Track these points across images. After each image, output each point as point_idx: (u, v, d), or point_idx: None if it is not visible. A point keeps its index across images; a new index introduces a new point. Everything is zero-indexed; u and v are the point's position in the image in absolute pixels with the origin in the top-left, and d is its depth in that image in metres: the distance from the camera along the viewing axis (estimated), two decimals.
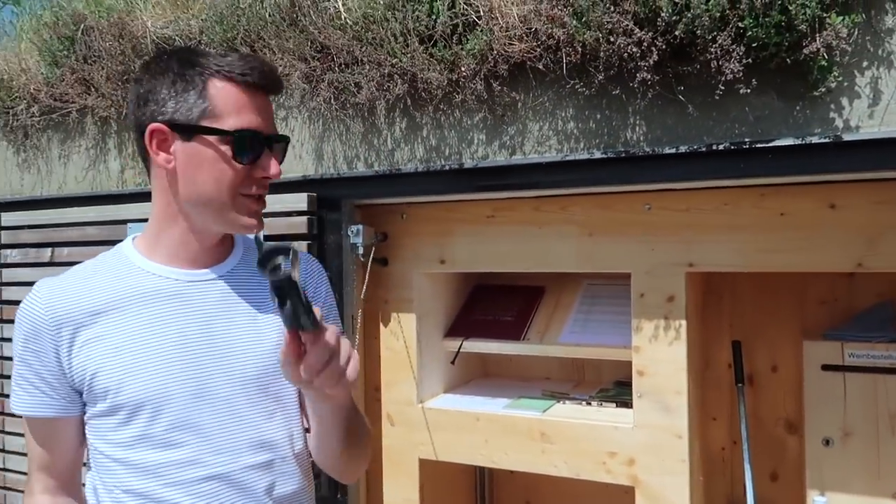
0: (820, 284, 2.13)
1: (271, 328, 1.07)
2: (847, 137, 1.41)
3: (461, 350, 2.22)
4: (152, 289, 1.03)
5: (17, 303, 2.73)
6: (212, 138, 0.99)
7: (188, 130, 0.99)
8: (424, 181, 1.86)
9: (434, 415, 2.09)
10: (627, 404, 2.02)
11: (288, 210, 1.99)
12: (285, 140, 1.08)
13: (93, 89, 2.32)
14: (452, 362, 2.30)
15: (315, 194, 1.99)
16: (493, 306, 2.29)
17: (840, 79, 1.43)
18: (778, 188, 1.69)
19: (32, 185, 2.63)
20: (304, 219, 1.97)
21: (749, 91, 1.44)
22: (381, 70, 1.80)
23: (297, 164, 2.08)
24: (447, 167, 1.82)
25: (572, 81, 1.61)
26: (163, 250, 1.06)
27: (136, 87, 1.03)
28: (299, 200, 1.98)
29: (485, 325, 2.22)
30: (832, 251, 1.65)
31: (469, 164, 1.79)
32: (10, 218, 2.58)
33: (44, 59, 2.45)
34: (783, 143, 1.45)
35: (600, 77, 1.56)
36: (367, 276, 2.08)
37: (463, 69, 1.67)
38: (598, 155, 1.64)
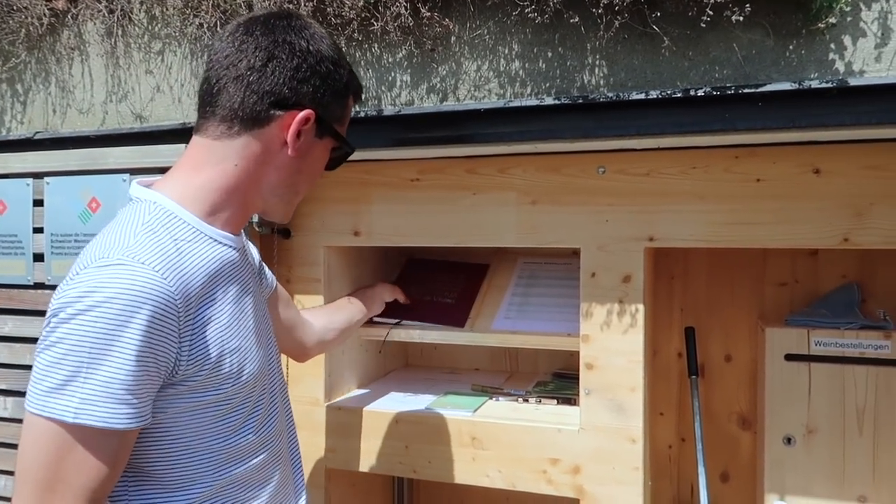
0: (780, 264, 1.92)
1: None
2: (854, 82, 1.16)
3: (378, 338, 1.88)
4: (227, 259, 0.99)
5: None
6: (331, 143, 1.05)
7: (328, 130, 1.02)
8: None
9: (345, 416, 1.75)
10: (571, 401, 1.75)
11: (162, 165, 1.58)
12: None
13: None
14: (380, 351, 1.96)
15: None
16: (429, 285, 1.96)
17: (848, 10, 1.17)
18: (753, 149, 1.44)
19: None
20: None
21: (741, 19, 1.16)
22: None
23: (175, 108, 1.67)
24: (362, 115, 1.46)
25: (521, 5, 1.29)
26: (223, 216, 0.99)
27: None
28: (177, 153, 1.57)
29: (421, 308, 1.88)
30: (815, 223, 1.41)
31: (390, 111, 1.44)
32: None
33: None
34: (778, 88, 1.18)
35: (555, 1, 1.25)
36: (271, 251, 1.71)
37: None
38: (549, 101, 1.33)
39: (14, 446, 1.83)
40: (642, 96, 1.26)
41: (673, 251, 1.98)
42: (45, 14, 1.74)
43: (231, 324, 0.96)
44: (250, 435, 1.00)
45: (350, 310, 1.63)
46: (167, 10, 1.62)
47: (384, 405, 1.77)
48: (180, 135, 1.60)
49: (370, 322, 1.78)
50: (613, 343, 1.53)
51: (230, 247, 1.00)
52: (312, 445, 1.76)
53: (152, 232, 0.90)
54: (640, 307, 1.51)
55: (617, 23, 1.25)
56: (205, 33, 1.57)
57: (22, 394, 1.81)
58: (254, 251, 1.23)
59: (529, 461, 1.60)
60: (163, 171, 1.61)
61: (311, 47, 0.97)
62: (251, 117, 0.95)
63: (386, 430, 1.71)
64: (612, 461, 1.54)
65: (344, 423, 1.74)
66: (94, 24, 1.75)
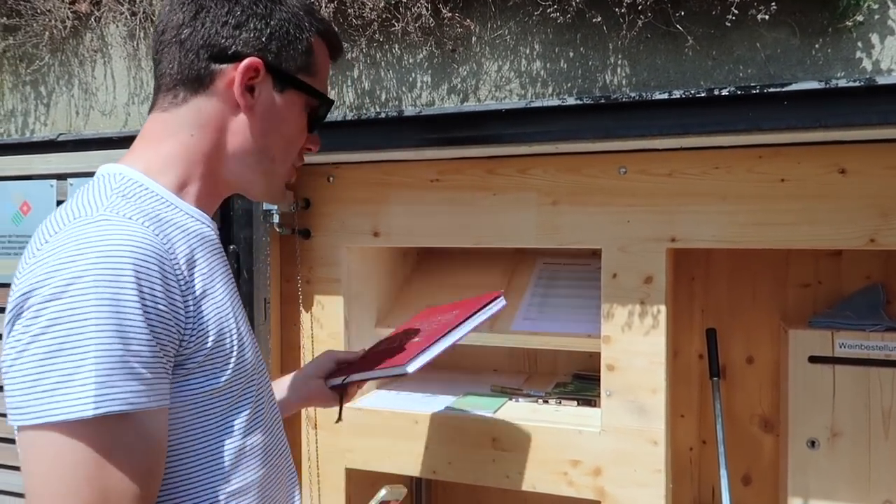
0: (803, 265, 1.90)
1: None
2: (882, 81, 1.14)
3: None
4: (206, 235, 0.87)
5: None
6: (302, 97, 0.92)
7: (287, 80, 0.89)
8: (354, 133, 1.50)
9: (364, 416, 1.75)
10: (591, 403, 1.74)
11: None
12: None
13: None
14: (336, 422, 1.94)
15: None
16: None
17: (876, 7, 1.15)
18: (777, 149, 1.42)
19: None
20: None
21: (766, 18, 1.15)
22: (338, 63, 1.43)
23: None
24: (383, 115, 1.46)
25: (543, 5, 1.28)
26: (192, 191, 0.88)
27: None
28: None
29: (368, 359, 1.69)
30: (841, 224, 1.39)
31: (410, 112, 1.45)
32: None
33: None
34: (804, 88, 1.17)
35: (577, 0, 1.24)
36: (292, 252, 1.72)
37: None
38: (571, 101, 1.32)
39: None
40: (665, 96, 1.25)
41: (694, 252, 1.96)
42: (68, 17, 1.76)
43: (226, 301, 0.84)
44: (258, 434, 0.87)
45: (292, 392, 1.26)
46: None
47: (403, 405, 1.77)
48: None
49: (389, 324, 1.78)
50: (635, 344, 1.52)
51: (207, 225, 0.88)
52: (332, 446, 1.76)
53: (125, 198, 0.79)
54: (662, 308, 1.50)
55: (640, 22, 1.24)
56: None
57: None
58: None
59: (550, 462, 1.59)
60: None
61: None
62: (192, 78, 0.85)
63: (405, 431, 1.71)
64: (633, 463, 1.53)
65: (363, 423, 1.74)
66: (117, 26, 1.76)
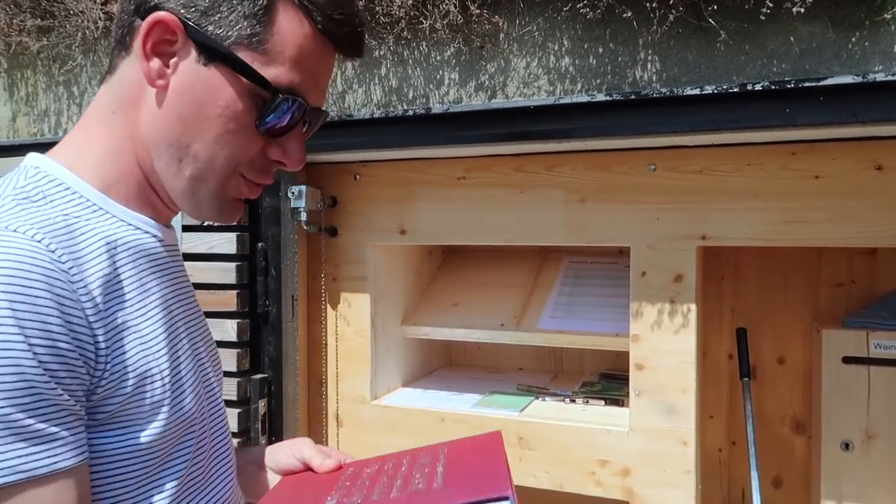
0: (835, 264, 1.86)
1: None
2: None
3: (424, 337, 1.89)
4: (141, 246, 0.70)
5: None
6: (241, 80, 0.66)
7: (215, 53, 0.66)
8: (382, 130, 1.51)
9: (391, 414, 1.75)
10: (619, 402, 1.72)
11: None
12: (325, 118, 0.76)
13: None
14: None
15: None
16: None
17: None
18: (812, 145, 1.39)
19: None
20: None
21: (801, 11, 1.13)
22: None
23: None
24: (410, 113, 1.47)
25: (573, 1, 1.27)
26: (121, 189, 0.70)
27: None
28: None
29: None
30: (877, 221, 1.36)
31: (438, 109, 1.44)
32: None
33: None
34: (840, 82, 1.15)
35: None
36: (318, 250, 1.72)
37: None
38: (600, 97, 1.31)
39: None
40: (697, 91, 1.24)
41: (724, 251, 1.94)
42: (100, 17, 1.79)
43: (156, 335, 0.67)
44: (197, 493, 0.70)
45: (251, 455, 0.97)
46: None
47: (430, 403, 1.77)
48: None
49: (414, 322, 1.78)
50: (664, 343, 1.51)
51: (143, 231, 0.70)
52: (358, 443, 1.77)
53: (26, 199, 0.63)
54: (693, 307, 1.48)
55: (671, 17, 1.23)
56: None
57: None
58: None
59: (577, 462, 1.58)
60: None
61: None
62: (120, 37, 0.69)
63: (431, 429, 1.70)
64: (662, 463, 1.51)
65: (390, 421, 1.75)
66: None
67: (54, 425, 0.56)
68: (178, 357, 0.70)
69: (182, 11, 0.65)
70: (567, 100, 1.34)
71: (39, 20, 1.82)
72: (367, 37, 1.50)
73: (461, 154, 1.63)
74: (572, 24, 1.34)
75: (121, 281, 0.65)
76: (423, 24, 1.41)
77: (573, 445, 1.58)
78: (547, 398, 1.81)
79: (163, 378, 0.66)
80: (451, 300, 1.98)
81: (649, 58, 1.30)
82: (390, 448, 1.72)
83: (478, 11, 1.36)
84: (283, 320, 1.66)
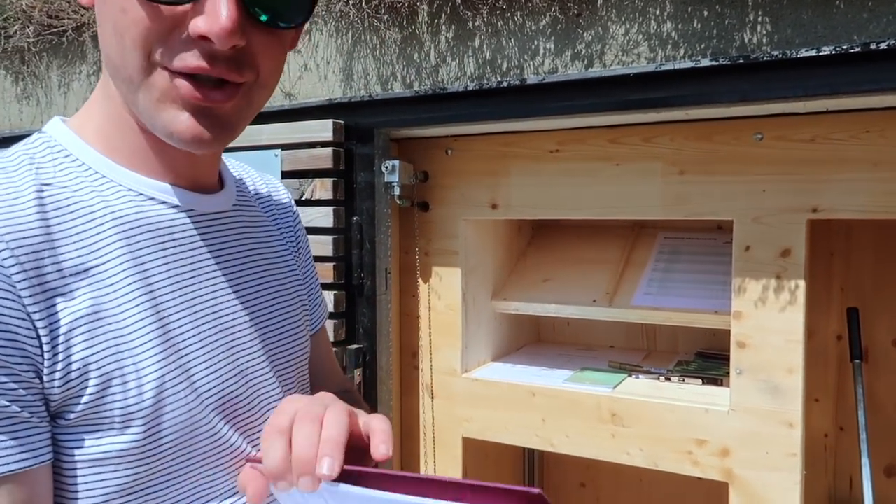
0: None
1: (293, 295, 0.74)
2: None
3: (514, 312, 1.89)
4: (149, 219, 0.60)
5: None
6: None
7: None
8: (475, 103, 1.50)
9: (482, 387, 1.76)
10: (717, 382, 1.67)
11: (310, 140, 1.65)
12: None
13: None
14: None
15: (343, 122, 1.65)
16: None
17: None
18: None
19: (32, 118, 2.35)
20: (328, 151, 1.63)
21: None
22: None
23: (321, 86, 1.74)
24: (504, 84, 1.45)
25: None
26: (125, 149, 0.61)
27: None
28: (324, 129, 1.64)
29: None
30: None
31: (533, 80, 1.42)
32: None
33: None
34: None
35: None
36: (411, 224, 1.75)
37: None
38: (705, 63, 1.25)
39: None
40: (813, 53, 1.16)
41: (833, 225, 1.83)
42: None
43: (140, 325, 0.57)
44: None
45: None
46: None
47: (520, 378, 1.77)
48: (327, 110, 1.66)
49: (504, 298, 1.78)
50: (769, 321, 1.44)
51: (149, 198, 0.61)
52: (449, 415, 1.79)
53: (3, 169, 0.57)
54: (801, 283, 1.41)
55: None
56: (351, 10, 1.62)
57: None
58: (298, 230, 0.85)
59: (673, 441, 1.54)
60: (311, 146, 1.69)
61: None
62: None
63: (522, 403, 1.71)
64: (765, 445, 1.45)
65: (481, 394, 1.76)
66: None
67: (14, 422, 0.50)
68: (182, 351, 0.59)
69: None
70: (669, 66, 1.29)
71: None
72: (459, 7, 1.49)
73: (554, 126, 1.60)
74: None
75: (98, 260, 0.56)
76: None
77: (669, 424, 1.55)
78: (640, 376, 1.77)
79: (140, 378, 0.56)
80: (541, 276, 1.96)
81: (759, 19, 1.23)
82: (483, 420, 1.73)
83: None
84: (377, 293, 1.70)
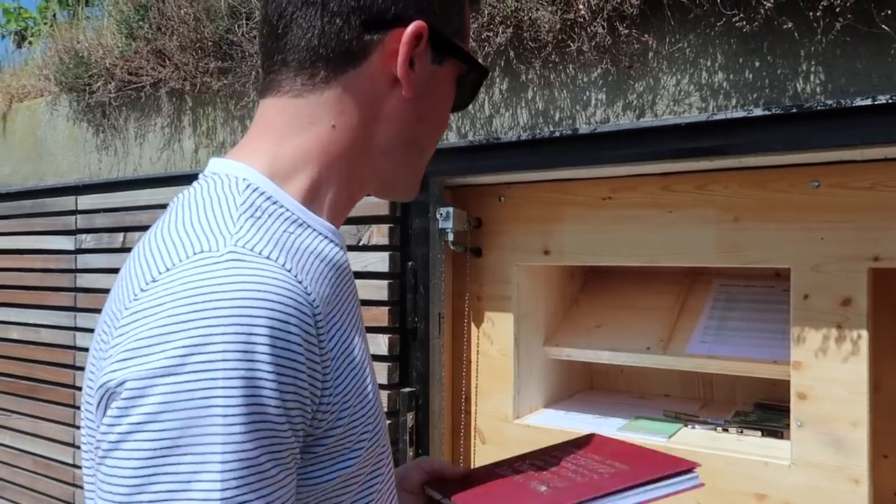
0: None
1: None
2: None
3: (566, 358, 1.88)
4: (340, 263, 0.68)
5: (93, 291, 2.69)
6: (457, 68, 0.72)
7: (450, 49, 0.70)
8: (528, 152, 1.54)
9: (534, 433, 1.76)
10: (777, 434, 1.62)
11: None
12: None
13: (166, 60, 2.15)
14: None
15: None
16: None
17: None
18: None
19: (110, 167, 2.51)
20: (385, 200, 1.69)
21: None
22: (479, 15, 1.50)
23: None
24: (557, 134, 1.49)
25: (727, 15, 1.25)
26: (325, 202, 0.69)
27: None
28: None
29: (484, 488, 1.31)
30: None
31: (584, 130, 1.46)
32: (86, 201, 2.46)
33: (120, 32, 2.31)
34: None
35: (767, 5, 1.19)
36: (464, 270, 1.78)
37: (580, 6, 1.34)
38: (758, 112, 1.26)
39: None
40: (868, 102, 1.16)
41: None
42: None
43: (361, 356, 0.65)
44: None
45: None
46: None
47: (572, 425, 1.76)
48: None
49: (556, 343, 1.78)
50: (831, 372, 1.40)
51: (338, 245, 0.68)
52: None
53: (254, 219, 0.60)
54: (864, 333, 1.38)
55: (838, 25, 1.17)
56: None
57: None
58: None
59: (731, 494, 1.50)
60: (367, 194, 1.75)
61: None
62: (339, 52, 0.66)
63: None
64: (829, 502, 1.40)
65: (533, 440, 1.75)
66: None
67: (282, 471, 0.53)
68: (372, 377, 0.68)
69: (426, 18, 0.66)
70: (721, 116, 1.31)
71: (220, 62, 2.04)
72: (513, 60, 1.54)
73: (606, 174, 1.62)
74: (726, 39, 1.31)
75: (334, 302, 0.62)
76: (570, 46, 1.43)
77: (727, 476, 1.51)
78: (697, 426, 1.73)
79: (372, 396, 0.65)
80: (594, 322, 1.96)
81: (812, 69, 1.24)
82: None
83: (626, 31, 1.36)
84: (431, 337, 1.72)
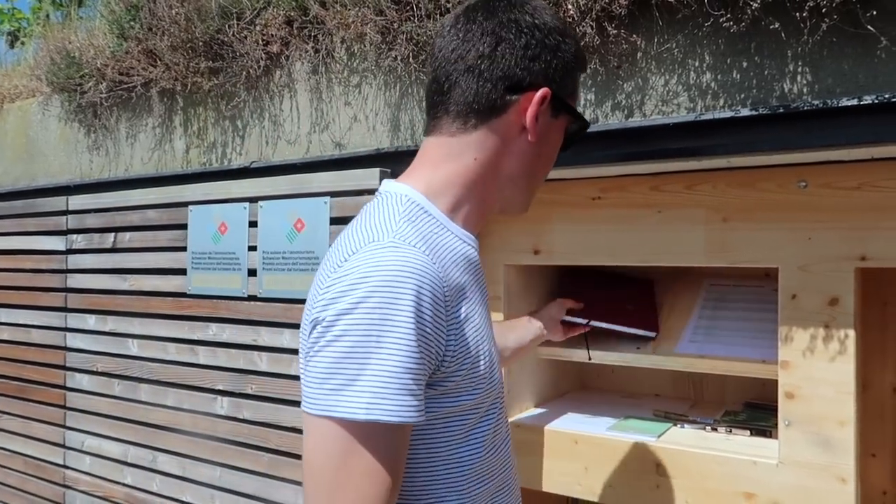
0: None
1: None
2: None
3: (557, 357, 1.88)
4: (472, 258, 0.95)
5: (83, 291, 2.69)
6: (566, 121, 0.99)
7: (563, 107, 0.97)
8: None
9: (523, 434, 1.76)
10: (766, 433, 1.63)
11: (358, 188, 1.72)
12: None
13: (157, 60, 2.14)
14: (589, 358, 1.86)
15: (389, 170, 1.71)
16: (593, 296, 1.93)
17: None
18: None
19: (101, 167, 2.50)
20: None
21: None
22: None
23: (369, 136, 1.81)
24: None
25: (715, 15, 1.25)
26: (463, 213, 0.96)
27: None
28: (371, 177, 1.70)
29: (607, 311, 1.76)
30: None
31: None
32: (77, 202, 2.46)
33: (112, 32, 2.30)
34: None
35: (754, 5, 1.20)
36: None
37: (569, 6, 1.35)
38: (745, 112, 1.27)
39: (229, 442, 2.05)
40: (854, 102, 1.17)
41: (887, 274, 1.78)
42: (262, 57, 1.97)
43: (483, 325, 0.93)
44: (497, 451, 0.95)
45: (521, 331, 1.59)
46: (365, 46, 1.77)
47: (563, 425, 1.76)
48: (375, 160, 1.73)
49: (548, 343, 1.78)
50: (818, 371, 1.41)
51: (472, 246, 0.96)
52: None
53: (410, 222, 0.88)
54: (851, 333, 1.38)
55: (824, 26, 1.17)
56: (398, 65, 1.69)
57: (236, 394, 2.03)
58: None
59: (720, 494, 1.50)
60: (359, 193, 1.75)
61: (536, 21, 0.92)
62: (487, 107, 0.92)
63: (565, 450, 1.69)
64: (816, 500, 1.41)
65: (523, 440, 1.75)
66: (302, 63, 1.95)
67: (419, 389, 0.81)
68: (491, 342, 0.95)
69: (549, 84, 0.93)
70: (709, 116, 1.31)
71: (211, 62, 2.04)
72: None
73: (596, 174, 1.63)
74: (714, 39, 1.31)
75: (464, 285, 0.89)
76: None
77: (716, 476, 1.51)
78: (686, 425, 1.74)
79: (486, 358, 0.90)
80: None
81: (799, 70, 1.25)
82: (525, 467, 1.72)
83: (615, 32, 1.37)
84: None
